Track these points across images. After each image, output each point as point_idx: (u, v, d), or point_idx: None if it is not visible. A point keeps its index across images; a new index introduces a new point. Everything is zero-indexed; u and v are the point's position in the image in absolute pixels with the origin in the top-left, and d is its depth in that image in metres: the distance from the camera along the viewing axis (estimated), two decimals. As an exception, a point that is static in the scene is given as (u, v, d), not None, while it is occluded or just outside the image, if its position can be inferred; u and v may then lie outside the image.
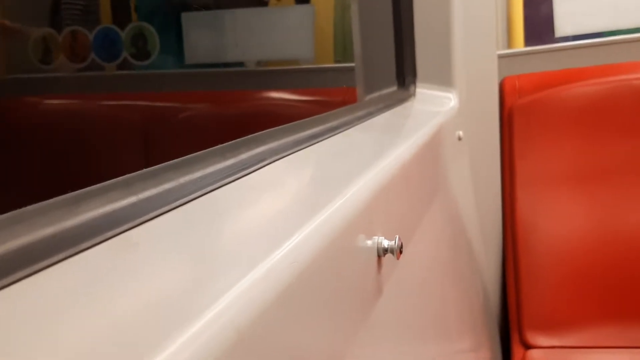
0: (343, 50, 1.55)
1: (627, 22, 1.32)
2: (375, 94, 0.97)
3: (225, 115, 1.47)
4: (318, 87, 1.46)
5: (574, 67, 1.29)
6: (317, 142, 0.57)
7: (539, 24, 1.43)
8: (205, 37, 1.50)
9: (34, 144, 1.35)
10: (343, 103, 1.43)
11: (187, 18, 1.49)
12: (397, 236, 0.47)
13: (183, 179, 0.35)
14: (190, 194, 0.35)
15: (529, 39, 1.45)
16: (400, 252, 0.47)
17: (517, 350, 1.22)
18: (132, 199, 0.31)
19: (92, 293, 0.24)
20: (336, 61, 1.56)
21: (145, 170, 0.33)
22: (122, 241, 0.28)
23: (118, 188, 0.31)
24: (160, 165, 0.35)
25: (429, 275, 0.72)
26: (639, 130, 1.21)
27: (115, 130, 1.47)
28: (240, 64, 1.54)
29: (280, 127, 0.52)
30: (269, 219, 0.38)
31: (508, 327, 1.26)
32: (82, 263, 0.25)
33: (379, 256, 0.47)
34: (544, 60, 1.30)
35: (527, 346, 1.22)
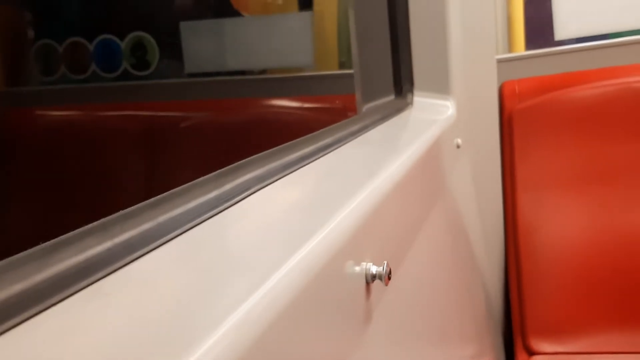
0: (347, 56, 1.55)
1: (628, 25, 1.31)
2: (372, 104, 0.97)
3: (226, 124, 1.47)
4: (318, 95, 1.46)
5: (573, 70, 1.28)
6: (308, 163, 0.57)
7: (539, 27, 1.42)
8: (204, 46, 1.50)
9: (33, 156, 1.36)
10: (343, 110, 1.43)
11: (185, 27, 1.49)
12: (385, 262, 0.47)
13: (162, 218, 0.35)
14: (170, 232, 0.35)
15: (530, 43, 1.44)
16: (389, 278, 0.47)
17: (520, 357, 1.21)
18: (108, 244, 0.31)
19: (59, 349, 0.24)
20: (340, 64, 1.56)
21: (123, 211, 0.33)
22: (93, 292, 0.28)
23: (94, 233, 0.31)
24: (139, 204, 0.35)
25: (425, 292, 0.72)
26: (639, 133, 1.20)
27: (117, 140, 1.48)
28: (240, 72, 1.54)
29: (268, 151, 0.52)
30: (253, 252, 0.38)
31: (511, 334, 1.25)
32: (49, 319, 0.25)
33: (367, 282, 0.46)
34: (544, 63, 1.29)
35: (531, 352, 1.21)
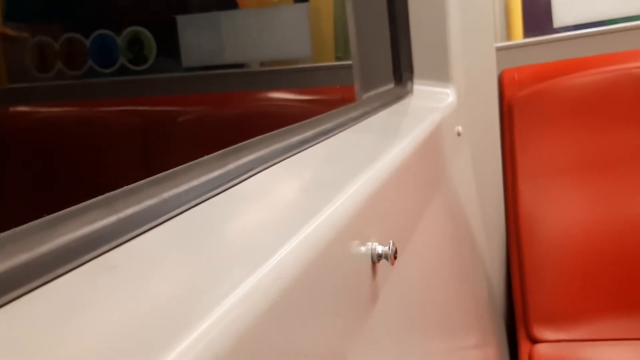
0: (344, 47, 1.55)
1: (625, 10, 1.30)
2: (372, 92, 0.96)
3: (224, 117, 1.46)
4: (317, 86, 1.45)
5: (572, 57, 1.27)
6: (310, 146, 0.56)
7: (537, 14, 1.41)
8: (201, 39, 1.49)
9: (31, 152, 1.35)
10: (342, 101, 1.43)
11: (182, 21, 1.49)
12: (391, 241, 0.46)
13: (167, 194, 0.34)
14: (175, 209, 0.34)
15: (528, 30, 1.44)
16: (395, 257, 0.46)
17: (524, 345, 1.21)
18: (113, 218, 0.30)
19: (63, 322, 0.23)
20: (337, 58, 1.55)
21: (127, 187, 0.33)
22: (100, 264, 0.27)
23: (98, 207, 0.30)
24: (143, 180, 0.34)
25: (429, 276, 0.71)
26: (639, 119, 1.19)
27: (114, 135, 1.47)
28: (238, 65, 1.54)
29: (270, 133, 0.52)
30: (258, 230, 0.37)
31: (514, 322, 1.25)
32: (56, 290, 0.25)
33: (373, 262, 0.46)
34: (543, 51, 1.29)
35: (534, 340, 1.21)
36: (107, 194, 0.31)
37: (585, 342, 1.18)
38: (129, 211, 0.31)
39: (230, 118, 1.45)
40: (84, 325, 0.23)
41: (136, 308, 0.25)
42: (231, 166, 0.42)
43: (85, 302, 0.25)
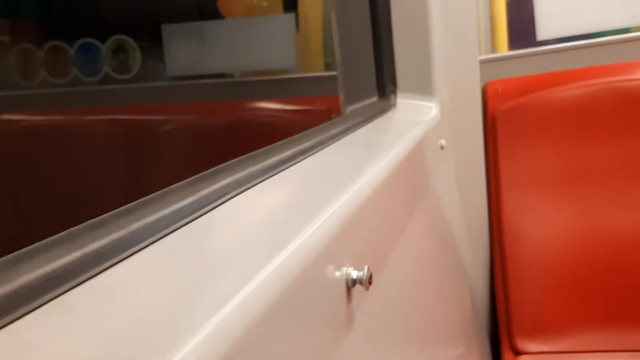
0: (333, 57, 1.54)
1: (609, 24, 1.31)
2: (355, 106, 0.96)
3: (209, 127, 1.46)
4: (303, 97, 1.45)
5: (556, 70, 1.28)
6: (288, 167, 0.56)
7: (522, 27, 1.42)
8: (187, 49, 1.49)
9: (15, 162, 1.34)
10: (327, 112, 1.42)
11: (167, 30, 1.48)
12: (366, 267, 0.46)
13: (134, 225, 0.34)
14: (143, 241, 0.34)
15: (513, 43, 1.45)
16: (370, 282, 0.46)
17: (507, 357, 1.21)
18: (77, 253, 0.30)
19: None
20: (326, 67, 1.55)
21: (92, 220, 0.32)
22: (59, 304, 0.27)
23: (62, 243, 0.30)
24: (109, 212, 0.34)
25: (407, 296, 0.71)
26: (623, 132, 1.20)
27: (98, 144, 1.46)
28: (223, 75, 1.53)
29: (246, 155, 0.51)
30: (230, 258, 0.37)
31: (498, 334, 1.25)
32: (12, 333, 0.24)
33: (348, 287, 0.46)
34: (526, 64, 1.30)
35: (517, 352, 1.21)
36: (71, 229, 0.31)
37: (568, 353, 1.19)
38: (94, 245, 0.31)
39: (215, 127, 1.44)
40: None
41: (95, 346, 0.25)
42: (204, 192, 0.41)
43: (45, 343, 0.25)
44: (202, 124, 1.46)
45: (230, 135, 1.38)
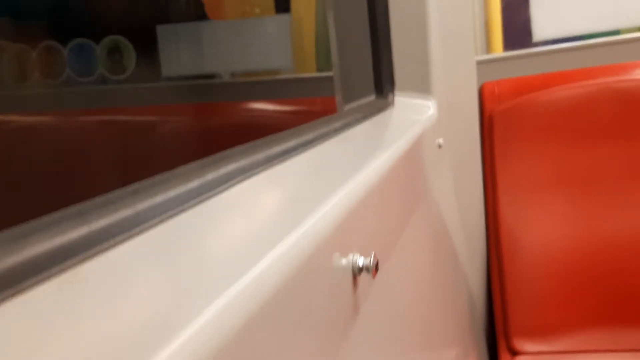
0: (326, 58, 1.54)
1: (605, 26, 1.32)
2: (354, 104, 0.96)
3: (204, 127, 1.45)
4: (298, 97, 1.45)
5: (553, 71, 1.28)
6: (291, 157, 0.56)
7: (517, 28, 1.42)
8: (182, 49, 1.48)
9: (4, 161, 1.33)
10: (323, 112, 1.42)
11: (162, 30, 1.47)
12: (373, 253, 0.46)
13: (142, 205, 0.33)
14: (149, 220, 0.33)
15: (508, 44, 1.45)
16: (376, 269, 0.46)
17: (504, 357, 1.21)
18: (84, 229, 0.29)
19: (28, 338, 0.22)
20: (318, 70, 1.55)
21: (100, 197, 0.32)
22: (70, 277, 0.26)
23: (69, 219, 0.29)
24: (117, 191, 0.33)
25: (410, 289, 0.71)
26: (620, 133, 1.21)
27: (92, 146, 1.45)
28: (218, 76, 1.53)
29: (251, 143, 0.51)
30: (237, 242, 0.36)
31: (495, 334, 1.25)
32: (21, 304, 0.23)
33: (354, 275, 0.45)
34: (523, 64, 1.30)
35: (515, 352, 1.21)
36: (78, 205, 0.30)
37: (565, 353, 1.18)
38: (101, 223, 0.30)
39: (210, 128, 1.44)
40: (51, 341, 0.22)
41: (107, 323, 0.24)
42: (210, 176, 0.41)
43: (52, 317, 0.24)
44: (197, 125, 1.45)
45: (225, 135, 1.37)
